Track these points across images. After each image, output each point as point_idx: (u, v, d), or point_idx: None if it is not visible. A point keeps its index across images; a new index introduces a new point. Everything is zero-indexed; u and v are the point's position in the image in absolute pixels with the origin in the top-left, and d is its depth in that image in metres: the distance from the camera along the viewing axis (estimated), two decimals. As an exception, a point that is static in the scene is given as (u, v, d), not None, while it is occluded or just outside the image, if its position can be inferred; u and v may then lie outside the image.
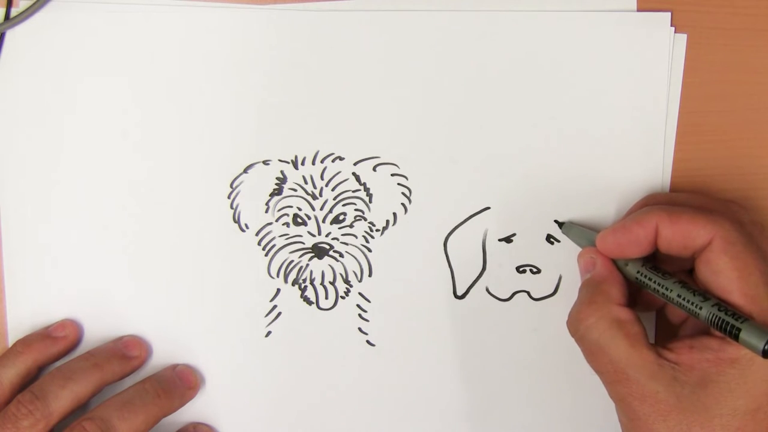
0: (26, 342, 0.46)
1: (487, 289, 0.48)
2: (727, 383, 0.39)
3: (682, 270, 0.43)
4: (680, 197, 0.44)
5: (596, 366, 0.41)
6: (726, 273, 0.39)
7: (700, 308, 0.39)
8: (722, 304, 0.38)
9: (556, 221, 0.47)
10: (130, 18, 0.46)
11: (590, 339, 0.41)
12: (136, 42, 0.47)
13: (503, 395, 0.48)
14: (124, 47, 0.47)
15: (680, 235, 0.40)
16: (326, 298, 0.48)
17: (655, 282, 0.41)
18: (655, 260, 0.43)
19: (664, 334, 0.47)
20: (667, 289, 0.40)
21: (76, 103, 0.47)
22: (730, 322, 0.38)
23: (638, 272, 0.42)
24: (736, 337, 0.37)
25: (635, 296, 0.44)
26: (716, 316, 0.38)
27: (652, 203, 0.44)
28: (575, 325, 0.42)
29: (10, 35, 0.46)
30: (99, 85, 0.47)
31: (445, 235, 0.47)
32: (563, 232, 0.47)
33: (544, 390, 0.48)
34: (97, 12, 0.46)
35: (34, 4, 0.46)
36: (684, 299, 0.40)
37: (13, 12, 0.46)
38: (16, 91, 0.47)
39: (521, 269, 0.48)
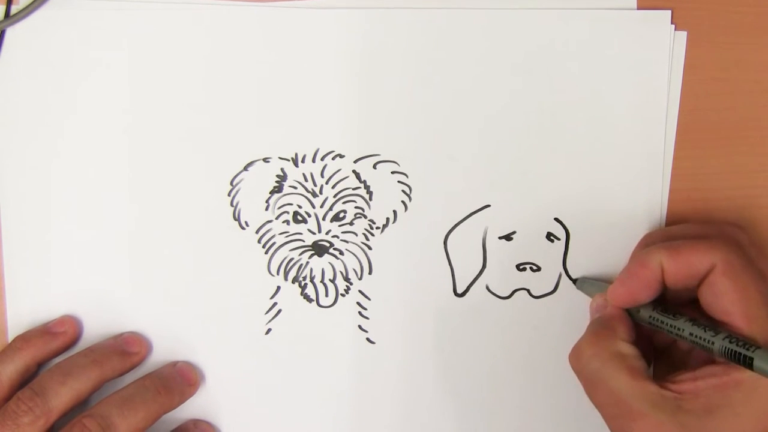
0: (25, 338, 0.46)
1: (487, 287, 0.48)
2: (732, 407, 0.39)
3: (690, 300, 0.43)
4: (675, 230, 0.45)
5: (597, 399, 0.41)
6: (728, 295, 0.39)
7: (713, 343, 0.39)
8: (732, 336, 0.39)
9: (570, 278, 0.47)
10: (130, 16, 0.46)
11: (591, 370, 0.41)
12: (136, 40, 0.47)
13: (503, 393, 0.48)
14: (124, 45, 0.47)
15: (684, 266, 0.40)
16: (326, 295, 0.48)
17: (666, 324, 0.41)
18: (664, 300, 0.43)
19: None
20: (679, 329, 0.41)
21: (75, 101, 0.47)
22: (741, 352, 0.38)
23: (650, 316, 0.42)
24: (750, 366, 0.38)
25: (646, 340, 0.44)
26: (728, 348, 0.38)
27: (651, 242, 0.44)
28: (577, 356, 0.42)
29: (10, 33, 0.46)
30: (99, 83, 0.47)
31: (445, 232, 0.47)
32: (577, 288, 0.47)
33: (545, 387, 0.48)
34: (97, 10, 0.46)
35: (34, 2, 0.46)
36: (696, 336, 0.40)
37: (13, 9, 0.46)
38: (15, 90, 0.47)
39: (521, 267, 0.48)
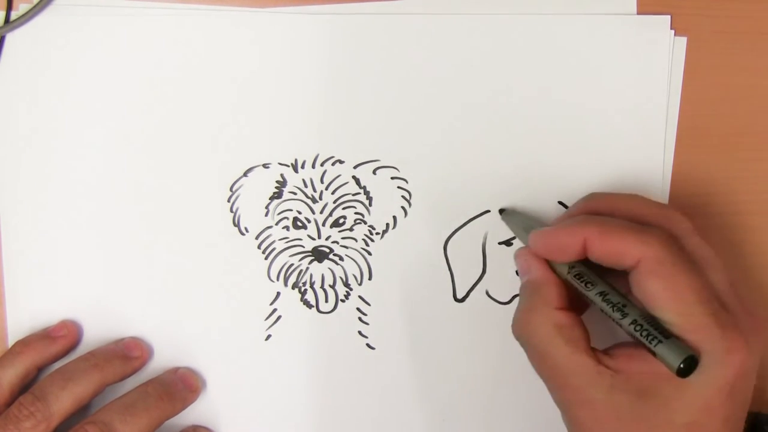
0: (25, 342, 0.46)
1: (488, 293, 0.48)
2: (664, 397, 0.38)
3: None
4: (620, 201, 0.43)
5: (541, 372, 0.41)
6: (657, 293, 0.38)
7: (621, 324, 0.39)
8: (642, 319, 0.38)
9: (500, 210, 0.47)
10: (130, 21, 0.46)
11: (533, 345, 0.40)
12: (135, 45, 0.47)
13: (504, 397, 0.48)
14: (124, 50, 0.47)
15: (609, 253, 0.39)
16: (326, 301, 0.48)
17: (582, 284, 0.40)
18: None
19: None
20: (590, 295, 0.40)
21: (75, 106, 0.47)
22: (647, 337, 0.37)
23: (567, 272, 0.41)
24: (654, 353, 0.37)
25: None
26: (638, 326, 0.38)
27: (593, 208, 0.43)
28: (518, 331, 0.41)
29: (10, 38, 0.46)
30: (99, 89, 0.47)
31: (445, 238, 0.47)
32: (502, 219, 0.46)
33: (544, 392, 0.48)
34: (97, 15, 0.46)
35: (33, 7, 0.46)
36: (606, 312, 0.39)
37: (13, 15, 0.46)
38: (15, 95, 0.47)
39: (521, 272, 0.48)
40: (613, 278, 0.41)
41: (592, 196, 0.45)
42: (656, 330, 0.37)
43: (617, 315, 0.39)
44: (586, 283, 0.40)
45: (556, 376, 0.40)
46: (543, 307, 0.41)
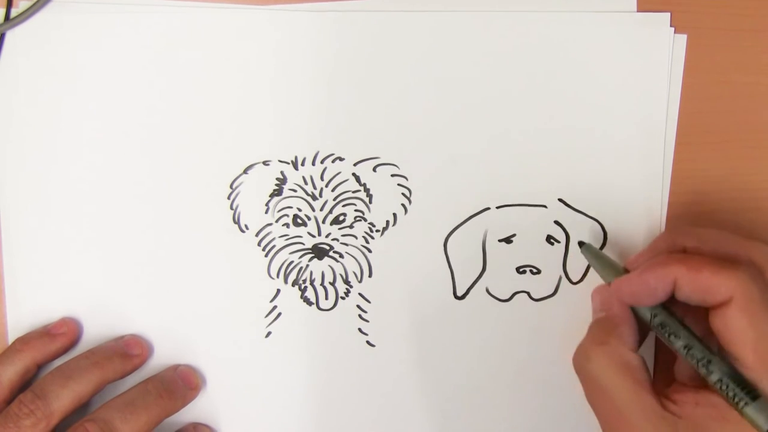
0: (25, 340, 0.46)
1: (487, 290, 0.48)
2: None
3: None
4: (705, 235, 0.42)
5: (596, 404, 0.41)
6: (742, 332, 0.38)
7: (710, 373, 0.39)
8: (729, 375, 0.38)
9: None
10: (130, 18, 0.46)
11: (596, 378, 0.40)
12: (136, 42, 0.47)
13: (504, 396, 0.48)
14: (124, 48, 0.47)
15: (700, 290, 0.39)
16: (326, 298, 0.48)
17: (665, 335, 0.41)
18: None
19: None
20: (674, 346, 0.40)
21: (75, 103, 0.47)
22: (734, 397, 0.37)
23: (650, 320, 0.41)
24: (741, 412, 0.37)
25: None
26: (724, 387, 0.38)
27: (680, 243, 0.42)
28: (582, 362, 0.41)
29: (10, 36, 0.46)
30: (99, 86, 0.47)
31: (445, 235, 0.47)
32: (582, 253, 0.46)
33: (545, 390, 0.48)
34: (97, 13, 0.46)
35: (34, 4, 0.46)
36: (693, 361, 0.39)
37: (13, 12, 0.46)
38: (16, 92, 0.47)
39: (521, 270, 0.48)
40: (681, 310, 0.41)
41: (678, 231, 0.44)
42: (743, 390, 0.37)
43: (702, 370, 0.39)
44: (669, 334, 0.40)
45: (616, 414, 0.40)
46: (618, 345, 0.41)
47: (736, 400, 0.37)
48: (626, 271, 0.43)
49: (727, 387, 0.38)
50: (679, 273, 0.39)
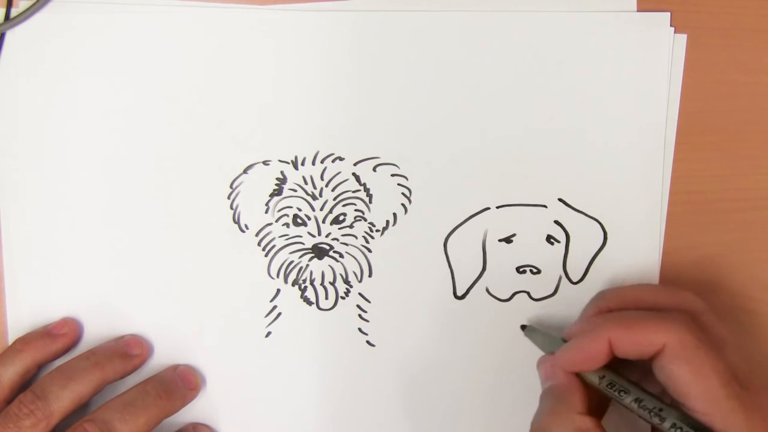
0: (25, 340, 0.46)
1: (487, 290, 0.48)
2: None
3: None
4: (630, 293, 0.44)
5: None
6: (681, 378, 0.39)
7: (663, 419, 0.39)
8: (680, 421, 0.39)
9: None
10: (130, 18, 0.46)
11: None
12: (136, 42, 0.47)
13: (503, 395, 0.48)
14: (124, 47, 0.47)
15: (634, 344, 0.40)
16: (326, 298, 0.48)
17: (616, 393, 0.41)
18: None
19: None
20: (625, 403, 0.41)
21: (75, 103, 0.47)
22: None
23: (599, 383, 0.42)
24: None
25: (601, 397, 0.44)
26: (678, 428, 0.39)
27: (604, 307, 0.44)
28: None
29: (10, 36, 0.47)
30: (99, 86, 0.47)
31: (445, 235, 0.47)
32: (525, 335, 0.47)
33: (544, 390, 0.48)
34: (97, 12, 0.46)
35: (34, 4, 0.46)
36: (644, 415, 0.40)
37: (13, 12, 0.46)
38: (16, 92, 0.47)
39: (521, 269, 0.48)
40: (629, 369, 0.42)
41: (601, 295, 0.45)
42: (696, 430, 0.38)
43: (656, 420, 0.40)
44: (619, 391, 0.41)
45: None
46: (567, 412, 0.41)
47: None
48: (565, 341, 0.43)
49: (681, 430, 0.39)
50: (611, 333, 0.40)
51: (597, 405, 0.43)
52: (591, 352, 0.41)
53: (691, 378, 0.39)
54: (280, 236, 0.47)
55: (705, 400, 0.38)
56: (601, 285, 0.47)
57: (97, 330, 0.47)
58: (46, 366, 0.47)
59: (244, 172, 0.47)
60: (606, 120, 0.47)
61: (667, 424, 0.39)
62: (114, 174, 0.47)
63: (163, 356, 0.47)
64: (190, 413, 0.47)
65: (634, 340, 0.40)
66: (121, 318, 0.47)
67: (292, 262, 0.47)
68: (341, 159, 0.47)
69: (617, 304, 0.44)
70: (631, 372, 0.42)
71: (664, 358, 0.39)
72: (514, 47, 0.47)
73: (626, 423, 0.46)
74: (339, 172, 0.47)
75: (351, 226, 0.47)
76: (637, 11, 0.47)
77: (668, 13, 0.47)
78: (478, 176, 0.47)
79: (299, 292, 0.48)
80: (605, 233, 0.47)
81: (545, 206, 0.47)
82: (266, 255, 0.47)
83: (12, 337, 0.47)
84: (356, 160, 0.47)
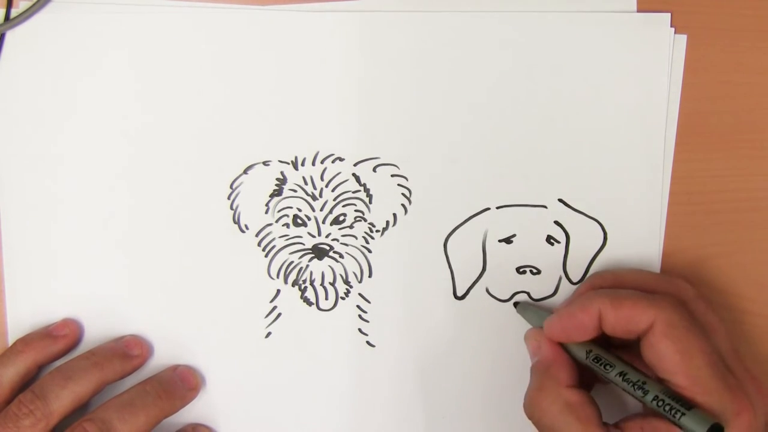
0: (26, 341, 0.46)
1: (487, 290, 0.48)
2: None
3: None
4: (626, 276, 0.45)
5: None
6: (669, 356, 0.39)
7: (646, 392, 0.40)
8: (663, 394, 0.39)
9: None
10: (130, 19, 0.46)
11: (545, 424, 0.41)
12: (135, 43, 0.47)
13: (503, 396, 0.48)
14: (124, 48, 0.47)
15: (623, 320, 0.41)
16: (326, 298, 0.48)
17: (601, 367, 0.42)
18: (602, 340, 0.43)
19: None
20: (610, 376, 0.41)
21: (75, 103, 0.47)
22: (670, 411, 0.39)
23: (586, 357, 0.42)
24: (679, 425, 0.38)
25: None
26: (660, 400, 0.39)
27: (598, 284, 0.44)
28: (530, 410, 0.42)
29: (10, 36, 0.47)
30: (99, 86, 0.47)
31: (445, 235, 0.47)
32: (518, 312, 0.47)
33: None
34: (97, 12, 0.46)
35: (34, 4, 0.46)
36: (627, 390, 0.41)
37: (13, 13, 0.46)
38: (16, 92, 0.47)
39: (521, 270, 0.48)
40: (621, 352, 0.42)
41: (597, 275, 0.46)
42: (678, 403, 0.39)
43: (639, 393, 0.40)
44: (605, 365, 0.42)
45: None
46: (554, 386, 0.42)
47: (673, 413, 0.39)
48: None
49: (663, 402, 0.39)
50: (602, 305, 0.41)
51: (585, 381, 0.43)
52: (580, 320, 0.42)
53: (678, 357, 0.39)
54: (280, 237, 0.47)
55: (691, 377, 0.39)
56: (601, 285, 0.47)
57: (97, 330, 0.47)
58: (46, 367, 0.46)
59: (244, 172, 0.47)
60: (606, 120, 0.47)
61: (649, 397, 0.40)
62: (114, 174, 0.47)
63: (162, 356, 0.47)
64: (189, 413, 0.47)
65: (623, 315, 0.40)
66: (121, 318, 0.47)
67: (292, 262, 0.47)
68: (341, 159, 0.47)
69: (611, 285, 0.44)
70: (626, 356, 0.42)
71: (653, 336, 0.40)
72: (515, 48, 0.47)
73: (614, 405, 0.46)
74: (339, 173, 0.47)
75: (351, 227, 0.47)
76: (637, 11, 0.47)
77: (668, 14, 0.47)
78: (478, 177, 0.47)
79: (299, 293, 0.48)
80: (605, 233, 0.47)
81: (545, 206, 0.47)
82: (266, 255, 0.47)
83: (12, 337, 0.47)
84: (356, 161, 0.47)
